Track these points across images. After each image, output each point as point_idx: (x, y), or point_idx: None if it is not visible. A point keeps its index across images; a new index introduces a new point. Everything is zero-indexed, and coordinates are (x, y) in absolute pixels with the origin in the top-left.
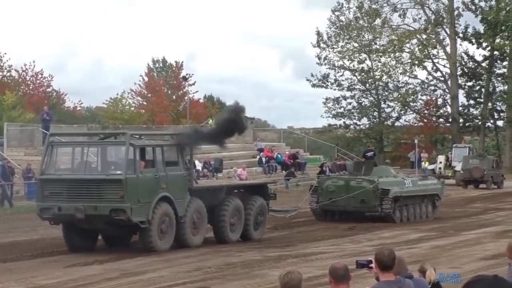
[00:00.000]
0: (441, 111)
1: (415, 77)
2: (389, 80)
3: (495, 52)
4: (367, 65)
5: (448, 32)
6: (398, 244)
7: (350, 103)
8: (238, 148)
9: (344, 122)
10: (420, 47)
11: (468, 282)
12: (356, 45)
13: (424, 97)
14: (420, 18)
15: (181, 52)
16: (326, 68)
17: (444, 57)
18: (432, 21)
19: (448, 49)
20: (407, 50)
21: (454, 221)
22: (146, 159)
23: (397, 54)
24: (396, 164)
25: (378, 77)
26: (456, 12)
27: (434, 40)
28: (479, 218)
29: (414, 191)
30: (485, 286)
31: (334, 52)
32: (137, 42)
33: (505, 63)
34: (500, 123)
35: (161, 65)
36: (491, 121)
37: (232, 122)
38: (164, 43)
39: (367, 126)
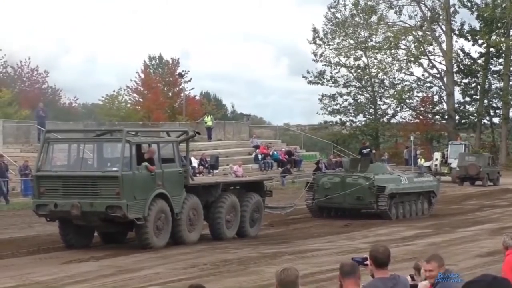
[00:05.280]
0: (437, 108)
1: (411, 74)
2: (385, 77)
3: (491, 49)
4: (363, 62)
5: (444, 29)
6: (394, 241)
7: (346, 100)
8: (234, 145)
9: (340, 119)
10: (416, 44)
11: (467, 282)
12: (352, 42)
13: (420, 94)
14: (416, 15)
15: (175, 49)
16: (322, 65)
17: (440, 54)
18: (428, 18)
19: (444, 46)
20: (403, 47)
21: (450, 218)
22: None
23: (393, 51)
24: (392, 161)
25: (374, 74)
26: (452, 9)
27: (430, 37)
28: (475, 215)
29: (410, 188)
30: (482, 287)
31: (330, 49)
32: (132, 39)
33: (501, 60)
34: (496, 120)
35: (157, 61)
36: (487, 118)
37: None
38: (159, 41)
39: (363, 123)
